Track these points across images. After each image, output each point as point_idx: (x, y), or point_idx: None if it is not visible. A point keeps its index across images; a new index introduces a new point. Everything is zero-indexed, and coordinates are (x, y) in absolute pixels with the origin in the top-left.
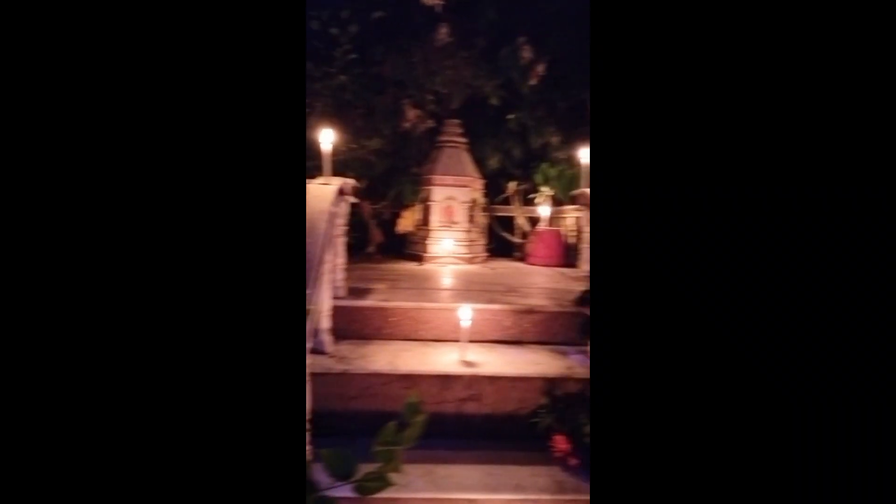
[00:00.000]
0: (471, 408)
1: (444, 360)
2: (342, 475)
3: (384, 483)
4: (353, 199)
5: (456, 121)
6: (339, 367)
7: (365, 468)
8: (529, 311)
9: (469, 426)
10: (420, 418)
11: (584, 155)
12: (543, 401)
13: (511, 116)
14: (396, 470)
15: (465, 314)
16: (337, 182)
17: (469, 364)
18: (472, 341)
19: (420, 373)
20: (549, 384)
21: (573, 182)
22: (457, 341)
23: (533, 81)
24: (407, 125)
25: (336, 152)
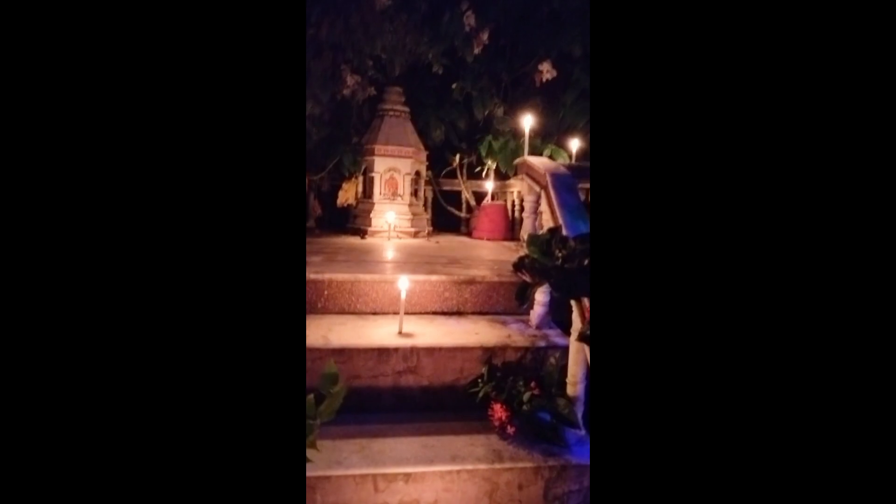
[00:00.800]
0: (408, 380)
1: (381, 332)
2: None
3: None
4: None
5: (398, 88)
6: None
7: None
8: (469, 282)
9: (406, 399)
10: (338, 389)
11: (526, 123)
12: (482, 371)
13: (455, 86)
14: (312, 446)
15: (403, 284)
16: None
17: (406, 336)
18: (410, 313)
19: (355, 346)
20: (488, 354)
21: (516, 154)
22: (395, 314)
23: (477, 50)
24: (346, 92)
25: None
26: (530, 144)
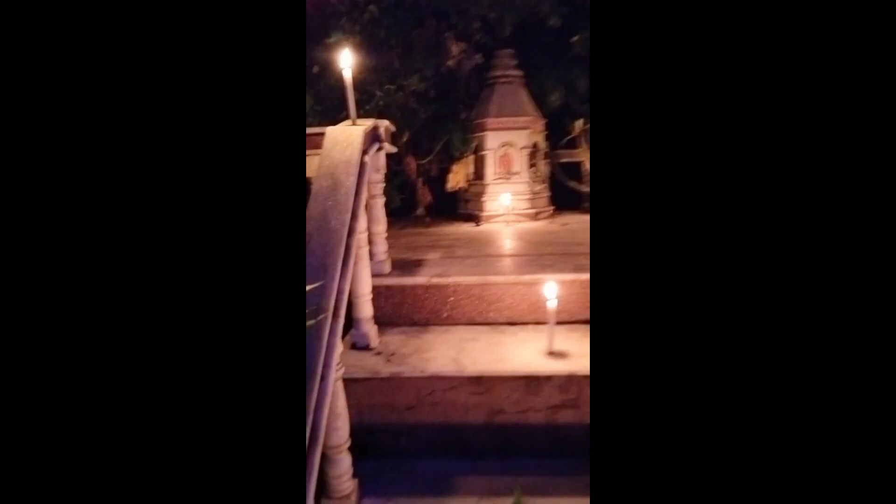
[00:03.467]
0: (567, 416)
1: (526, 352)
2: None
3: None
4: (391, 148)
5: (508, 51)
6: (387, 368)
7: None
8: None
9: (566, 441)
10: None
11: None
12: None
13: (575, 38)
14: None
15: (551, 291)
16: (367, 124)
17: (559, 356)
18: (558, 324)
19: (496, 373)
20: None
21: None
22: (536, 324)
23: None
24: (451, 63)
25: (370, 99)
26: None
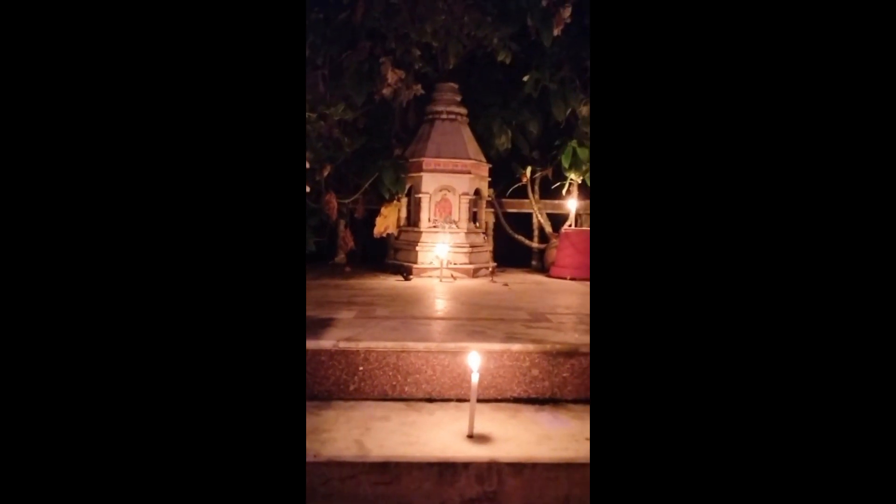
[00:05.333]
0: None
1: (442, 434)
2: None
3: None
4: (307, 188)
5: (452, 84)
6: None
7: None
8: (569, 353)
9: None
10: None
11: None
12: None
13: (526, 78)
14: None
15: (474, 362)
16: None
17: (480, 440)
18: (483, 400)
19: (404, 459)
20: None
21: None
22: (459, 401)
23: (556, 31)
24: (386, 91)
25: None
26: None
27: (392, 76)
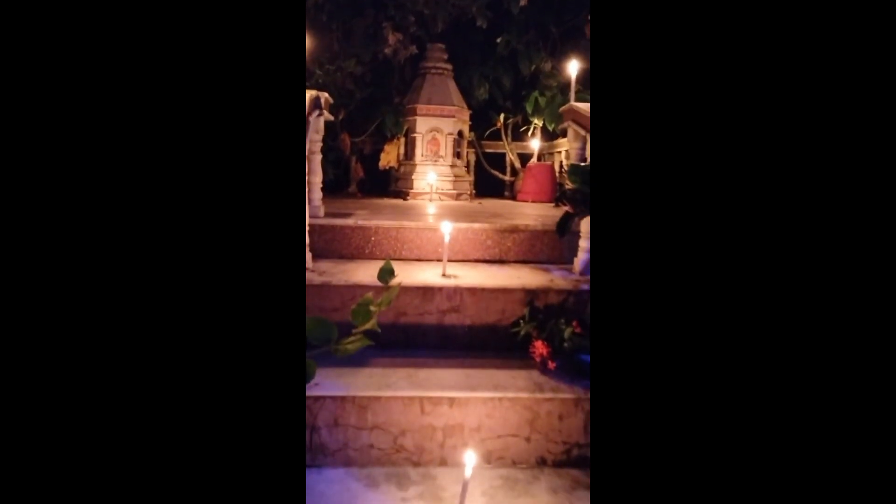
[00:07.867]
0: (452, 319)
1: (426, 274)
2: (322, 340)
3: (362, 342)
4: (329, 116)
5: (440, 45)
6: (319, 279)
7: None
8: (512, 230)
9: (451, 337)
10: (395, 280)
11: (572, 70)
12: (524, 311)
13: (499, 40)
14: (374, 327)
15: (446, 228)
16: (311, 93)
17: (450, 276)
18: (453, 260)
19: (402, 284)
20: (531, 295)
21: None
22: (439, 261)
23: (523, 2)
24: (388, 51)
25: (310, 76)
26: (577, 97)
27: (392, 38)
